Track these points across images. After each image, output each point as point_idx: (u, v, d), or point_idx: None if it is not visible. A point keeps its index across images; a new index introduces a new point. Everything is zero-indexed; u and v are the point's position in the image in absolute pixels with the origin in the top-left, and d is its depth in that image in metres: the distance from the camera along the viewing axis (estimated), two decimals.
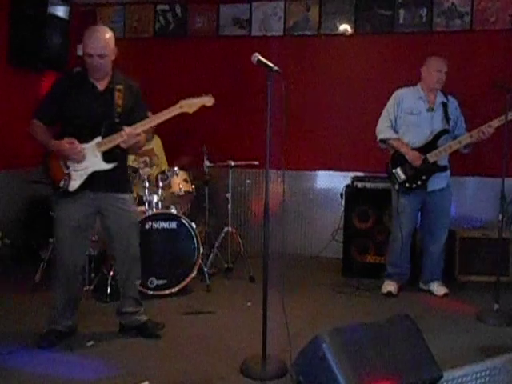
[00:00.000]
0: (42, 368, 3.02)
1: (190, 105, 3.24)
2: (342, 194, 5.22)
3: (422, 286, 4.68)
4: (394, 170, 4.41)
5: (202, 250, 4.51)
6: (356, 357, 2.31)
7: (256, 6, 5.95)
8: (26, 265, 4.81)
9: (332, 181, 5.82)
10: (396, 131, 4.46)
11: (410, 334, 2.51)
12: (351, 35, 5.75)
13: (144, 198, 4.50)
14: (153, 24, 6.24)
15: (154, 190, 4.57)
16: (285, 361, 3.03)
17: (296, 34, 5.87)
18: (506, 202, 4.02)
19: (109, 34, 3.26)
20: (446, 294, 4.50)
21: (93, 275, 4.40)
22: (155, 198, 4.51)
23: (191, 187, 4.79)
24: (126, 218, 3.40)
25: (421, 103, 4.42)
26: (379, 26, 5.64)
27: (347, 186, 5.25)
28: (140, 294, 4.16)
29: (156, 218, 4.36)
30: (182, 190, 4.67)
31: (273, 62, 3.02)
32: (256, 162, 4.85)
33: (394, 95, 4.51)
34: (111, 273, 4.14)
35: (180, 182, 4.69)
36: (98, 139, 3.23)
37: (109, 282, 4.16)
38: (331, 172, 5.85)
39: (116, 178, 3.35)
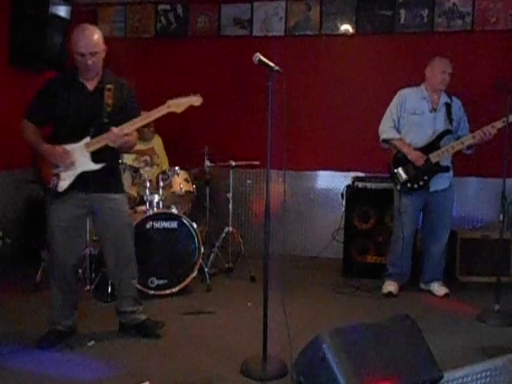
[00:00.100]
0: (42, 368, 3.02)
1: (177, 104, 3.23)
2: (342, 194, 5.22)
3: (422, 286, 4.68)
4: (395, 170, 4.40)
5: (202, 249, 4.51)
6: (356, 357, 2.31)
7: (257, 6, 5.95)
8: (26, 265, 4.81)
9: (333, 181, 5.82)
10: (399, 131, 4.46)
11: (410, 334, 2.50)
12: (352, 35, 5.75)
13: (145, 198, 4.50)
14: (154, 24, 6.24)
15: (154, 189, 4.57)
16: (285, 361, 3.02)
17: (297, 34, 5.87)
18: (506, 202, 4.01)
19: (98, 32, 3.24)
20: (446, 295, 4.50)
21: (93, 275, 4.39)
22: (156, 198, 4.51)
23: (192, 187, 4.79)
24: (118, 218, 3.38)
25: (424, 103, 4.42)
26: (380, 27, 5.64)
27: (348, 186, 5.25)
28: (140, 293, 4.17)
29: (157, 217, 4.36)
30: (183, 190, 4.67)
31: (274, 62, 3.02)
32: (257, 162, 4.85)
33: (397, 95, 4.51)
34: None
35: (181, 182, 4.69)
36: (87, 139, 3.22)
37: (109, 281, 4.15)
38: (332, 172, 5.85)
39: (106, 179, 3.32)
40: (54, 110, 3.24)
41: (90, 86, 3.29)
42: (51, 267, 3.38)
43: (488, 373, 2.45)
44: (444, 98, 4.44)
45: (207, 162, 5.01)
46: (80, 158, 3.23)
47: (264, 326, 3.04)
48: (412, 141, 4.39)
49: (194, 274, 4.47)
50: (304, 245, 5.91)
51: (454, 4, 5.43)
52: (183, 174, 4.75)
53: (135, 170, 4.58)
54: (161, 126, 5.24)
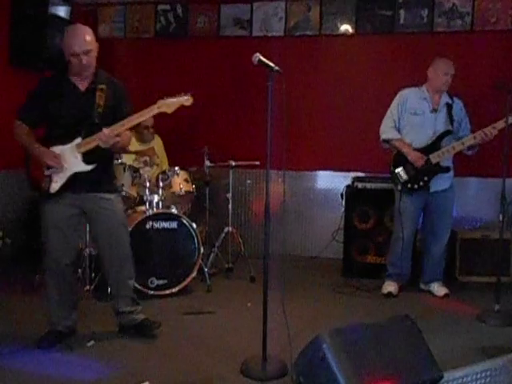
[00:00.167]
0: (42, 368, 3.02)
1: (168, 105, 3.23)
2: (342, 195, 5.22)
3: (422, 286, 4.68)
4: (396, 171, 4.40)
5: (202, 250, 4.52)
6: (356, 357, 2.31)
7: (257, 7, 5.95)
8: (26, 265, 4.80)
9: (332, 181, 5.82)
10: (399, 131, 4.46)
11: (410, 334, 2.50)
12: (352, 35, 5.75)
13: (144, 198, 4.50)
14: (154, 24, 6.24)
15: (154, 189, 4.57)
16: (285, 361, 3.02)
17: (297, 34, 5.87)
18: (506, 202, 4.01)
19: (89, 31, 3.25)
20: (446, 295, 4.50)
21: (93, 275, 4.39)
22: (156, 198, 4.51)
23: (192, 187, 4.79)
24: (111, 218, 3.36)
25: (425, 104, 4.42)
26: (380, 27, 5.64)
27: (348, 187, 5.25)
28: (140, 293, 4.17)
29: (156, 217, 4.36)
30: (183, 190, 4.67)
31: (274, 63, 3.02)
32: (257, 162, 4.85)
33: (398, 95, 4.51)
34: None
35: (180, 182, 4.69)
36: (78, 140, 3.21)
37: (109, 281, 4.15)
38: (332, 172, 5.85)
39: (98, 179, 3.31)
40: (47, 111, 3.23)
41: (82, 86, 3.28)
42: (46, 267, 3.37)
43: (488, 373, 2.45)
44: (445, 99, 4.44)
45: (207, 162, 5.01)
46: (71, 159, 3.21)
47: (264, 326, 3.04)
48: (412, 141, 4.39)
49: (194, 274, 4.47)
50: (304, 245, 5.91)
51: (453, 4, 5.43)
52: (183, 175, 4.74)
53: (135, 170, 4.58)
54: (161, 126, 5.24)
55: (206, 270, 4.65)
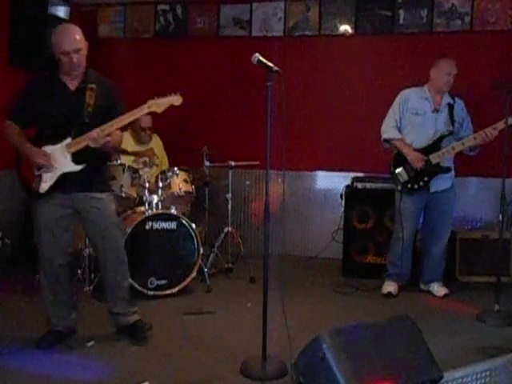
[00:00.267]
0: (42, 368, 3.02)
1: (158, 104, 3.22)
2: (341, 195, 5.22)
3: (422, 286, 4.68)
4: (396, 171, 4.40)
5: (202, 250, 4.52)
6: (356, 357, 2.31)
7: (256, 7, 5.96)
8: (25, 265, 4.80)
9: (332, 181, 5.82)
10: (400, 131, 4.46)
11: (410, 334, 2.50)
12: (351, 36, 5.75)
13: (144, 199, 4.50)
14: (153, 24, 6.24)
15: (154, 190, 4.57)
16: (285, 361, 3.02)
17: (296, 34, 5.87)
18: (506, 202, 4.01)
19: (78, 30, 3.22)
20: (446, 295, 4.50)
21: (92, 276, 4.39)
22: (155, 199, 4.51)
23: (191, 187, 4.79)
24: (104, 218, 3.34)
25: (426, 104, 4.42)
26: (379, 27, 5.64)
27: (347, 187, 5.25)
28: (140, 294, 4.18)
29: (156, 218, 4.36)
30: (182, 191, 4.67)
31: (273, 63, 3.02)
32: (256, 163, 4.85)
33: (399, 95, 4.51)
34: None
35: (180, 183, 4.68)
36: (68, 140, 3.20)
37: None
38: (331, 172, 5.85)
39: (89, 178, 3.28)
40: (37, 111, 3.22)
41: (72, 85, 3.26)
42: (40, 268, 3.36)
43: (488, 373, 2.45)
44: (447, 99, 4.43)
45: (206, 163, 5.01)
46: (61, 159, 3.20)
47: (264, 326, 3.04)
48: (413, 141, 4.39)
49: (194, 274, 4.47)
50: (303, 245, 5.91)
51: (453, 4, 5.43)
52: (182, 175, 4.74)
53: (134, 171, 4.57)
54: (160, 126, 5.24)
55: (205, 270, 4.65)
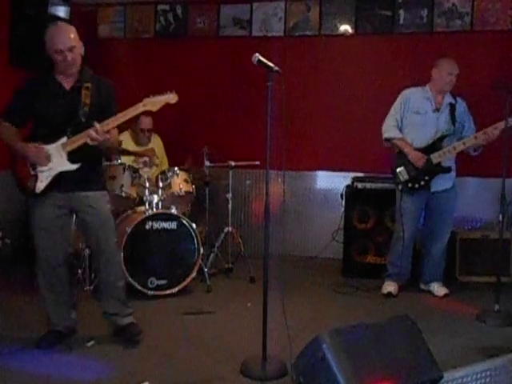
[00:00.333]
0: (42, 368, 3.02)
1: (153, 103, 3.22)
2: (342, 195, 5.22)
3: (422, 286, 4.68)
4: (397, 170, 4.40)
5: (202, 250, 4.52)
6: (356, 357, 2.31)
7: (256, 7, 5.95)
8: (26, 265, 4.79)
9: (332, 181, 5.82)
10: (401, 130, 4.46)
11: (410, 334, 2.50)
12: (351, 36, 5.75)
13: (144, 198, 4.50)
14: (153, 24, 6.24)
15: (154, 190, 4.57)
16: (285, 361, 3.02)
17: (296, 34, 5.87)
18: (506, 202, 4.01)
19: (73, 29, 3.22)
20: (446, 295, 4.50)
21: (92, 276, 4.39)
22: (155, 198, 4.52)
23: (191, 187, 4.79)
24: (96, 216, 3.31)
25: (427, 103, 4.42)
26: (379, 27, 5.64)
27: (347, 187, 5.25)
28: (140, 294, 4.18)
29: (156, 218, 4.36)
30: (183, 191, 4.67)
31: (273, 63, 3.02)
32: (256, 163, 4.85)
33: (401, 94, 4.51)
34: None
35: (180, 183, 4.68)
36: (63, 139, 3.19)
37: None
38: (331, 172, 5.85)
39: (84, 177, 3.27)
40: (32, 110, 3.21)
41: (67, 85, 3.25)
42: (38, 268, 3.35)
43: (488, 373, 2.45)
44: (448, 99, 4.43)
45: (207, 163, 5.01)
46: (56, 158, 3.19)
47: (264, 326, 3.04)
48: (414, 140, 4.39)
49: (194, 274, 4.47)
50: (303, 245, 5.91)
51: (453, 4, 5.43)
52: (183, 175, 4.74)
53: (135, 171, 4.58)
54: (161, 126, 5.24)
55: (205, 270, 4.65)
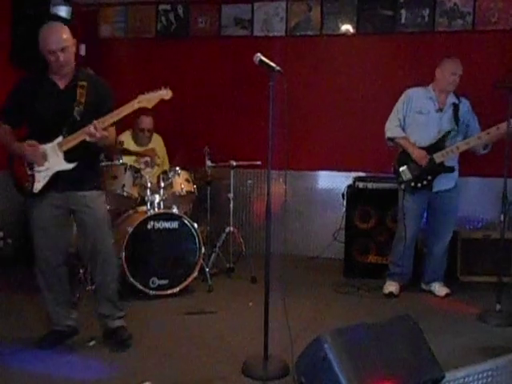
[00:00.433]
0: (42, 368, 3.02)
1: (148, 99, 3.21)
2: (343, 195, 5.22)
3: (423, 286, 4.68)
4: (400, 169, 4.40)
5: (203, 250, 4.51)
6: (358, 357, 2.31)
7: (258, 7, 5.96)
8: (26, 265, 4.79)
9: (334, 181, 5.82)
10: (404, 130, 4.45)
11: (411, 334, 2.50)
12: (353, 35, 5.75)
13: (146, 198, 4.50)
14: (155, 24, 6.24)
15: (155, 189, 4.57)
16: (286, 361, 3.02)
17: (298, 34, 5.87)
18: (508, 202, 4.00)
19: (66, 29, 3.20)
20: (447, 295, 4.49)
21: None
22: (157, 198, 4.51)
23: (193, 187, 4.79)
24: (93, 216, 3.30)
25: (430, 103, 4.41)
26: (381, 26, 5.64)
27: (349, 187, 5.25)
28: (141, 293, 4.18)
29: (158, 217, 4.36)
30: (184, 190, 4.67)
31: (275, 63, 3.02)
32: (258, 162, 4.85)
33: (403, 94, 4.50)
34: None
35: (182, 182, 4.68)
36: (59, 139, 3.18)
37: None
38: (333, 172, 5.85)
39: (80, 176, 3.25)
40: (27, 110, 3.20)
41: (62, 84, 3.24)
42: (37, 268, 3.34)
43: (489, 373, 2.44)
44: (451, 99, 4.42)
45: (208, 163, 5.01)
46: (53, 157, 3.19)
47: (265, 325, 3.04)
48: (417, 140, 4.38)
49: (195, 274, 4.47)
50: (305, 245, 5.91)
51: (454, 4, 5.43)
52: (184, 175, 4.74)
53: (136, 171, 4.57)
54: (162, 126, 5.24)
55: (207, 270, 4.65)
